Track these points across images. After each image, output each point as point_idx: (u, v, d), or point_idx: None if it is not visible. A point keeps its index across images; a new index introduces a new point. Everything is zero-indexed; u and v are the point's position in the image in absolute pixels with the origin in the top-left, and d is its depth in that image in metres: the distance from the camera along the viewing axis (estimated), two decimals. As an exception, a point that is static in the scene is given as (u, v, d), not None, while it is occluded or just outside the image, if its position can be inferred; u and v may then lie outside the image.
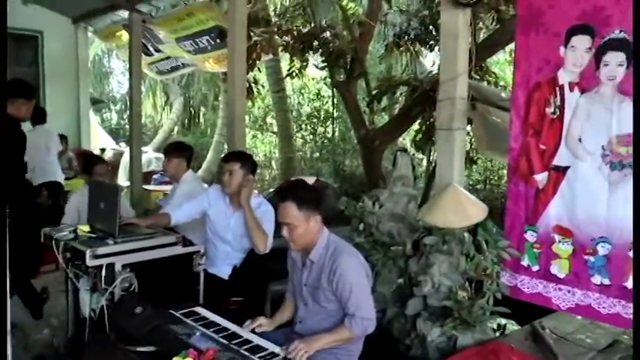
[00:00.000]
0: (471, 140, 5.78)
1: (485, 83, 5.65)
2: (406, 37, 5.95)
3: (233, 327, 2.60)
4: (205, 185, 5.14)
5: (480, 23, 6.39)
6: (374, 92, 5.99)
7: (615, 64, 2.94)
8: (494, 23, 5.91)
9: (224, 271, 3.55)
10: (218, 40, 6.46)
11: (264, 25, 6.20)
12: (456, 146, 3.34)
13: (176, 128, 17.63)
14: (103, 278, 2.84)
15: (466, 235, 3.11)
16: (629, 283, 2.88)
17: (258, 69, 7.14)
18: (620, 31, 2.90)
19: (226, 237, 3.54)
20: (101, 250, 2.89)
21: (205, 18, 6.37)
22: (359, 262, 2.57)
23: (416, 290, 3.12)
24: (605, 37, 2.96)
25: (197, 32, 6.64)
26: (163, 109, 19.03)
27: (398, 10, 6.30)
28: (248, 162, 3.52)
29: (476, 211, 3.08)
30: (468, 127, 4.99)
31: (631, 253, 2.87)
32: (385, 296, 3.37)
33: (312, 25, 6.56)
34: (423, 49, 6.48)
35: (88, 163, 4.64)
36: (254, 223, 3.33)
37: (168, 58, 8.13)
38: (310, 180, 3.54)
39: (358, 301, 2.48)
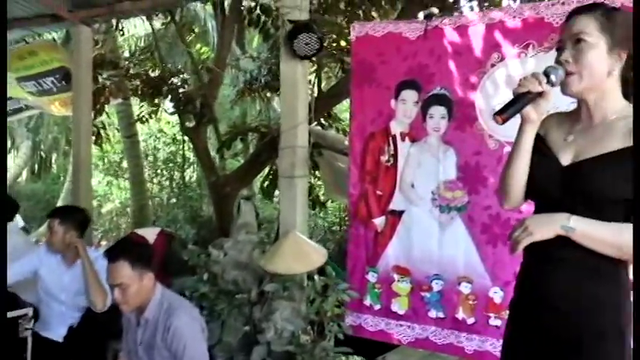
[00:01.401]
0: (323, 184, 5.96)
1: (333, 130, 5.87)
2: (257, 83, 6.06)
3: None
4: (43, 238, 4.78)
5: (329, 72, 6.71)
6: (223, 139, 5.96)
7: (439, 116, 3.23)
8: (339, 73, 6.20)
9: (59, 333, 3.27)
10: (64, 82, 6.12)
11: (112, 68, 5.98)
12: (298, 193, 3.41)
13: (24, 174, 16.32)
14: None
15: (315, 278, 3.19)
16: (459, 315, 3.12)
17: (107, 113, 6.83)
18: (441, 88, 3.20)
19: (60, 296, 3.27)
20: None
21: (50, 58, 6.03)
22: (193, 316, 2.51)
23: (260, 337, 3.12)
24: (429, 92, 3.25)
25: (40, 73, 6.23)
26: (9, 153, 17.57)
27: (250, 57, 6.39)
28: (69, 217, 3.28)
29: (316, 256, 3.17)
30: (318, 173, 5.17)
31: (460, 288, 3.12)
32: (231, 345, 3.32)
33: (162, 69, 6.46)
34: (275, 95, 6.61)
35: None
36: (93, 278, 3.13)
37: (9, 99, 7.56)
38: (154, 231, 3.43)
39: (193, 357, 2.42)
